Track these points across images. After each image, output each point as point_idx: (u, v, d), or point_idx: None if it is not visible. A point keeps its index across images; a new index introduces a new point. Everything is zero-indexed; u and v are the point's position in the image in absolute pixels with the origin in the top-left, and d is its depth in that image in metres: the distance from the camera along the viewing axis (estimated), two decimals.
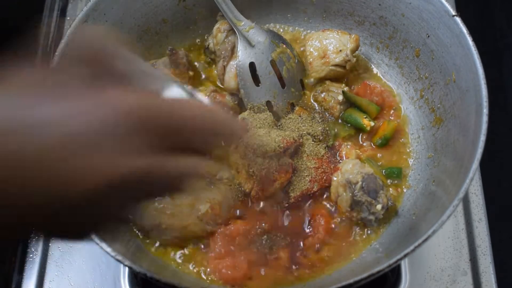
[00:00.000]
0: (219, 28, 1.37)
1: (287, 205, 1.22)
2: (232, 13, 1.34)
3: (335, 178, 1.21)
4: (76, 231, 0.61)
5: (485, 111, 1.05)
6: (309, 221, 1.22)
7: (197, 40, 1.47)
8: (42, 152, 0.50)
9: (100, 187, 0.53)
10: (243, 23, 1.34)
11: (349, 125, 1.33)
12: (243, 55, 1.34)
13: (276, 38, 1.37)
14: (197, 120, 0.61)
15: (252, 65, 1.34)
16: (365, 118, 1.32)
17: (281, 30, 1.51)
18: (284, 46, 1.37)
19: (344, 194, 1.18)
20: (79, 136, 0.51)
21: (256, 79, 1.34)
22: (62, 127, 0.51)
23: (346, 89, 1.36)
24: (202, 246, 1.18)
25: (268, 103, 1.34)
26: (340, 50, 1.34)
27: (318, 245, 1.19)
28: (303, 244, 1.20)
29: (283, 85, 1.36)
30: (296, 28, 1.51)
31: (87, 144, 0.51)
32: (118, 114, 0.53)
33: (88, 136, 0.51)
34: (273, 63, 1.35)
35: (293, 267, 1.17)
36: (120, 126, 0.53)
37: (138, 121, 0.54)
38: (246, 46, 1.34)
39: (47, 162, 0.50)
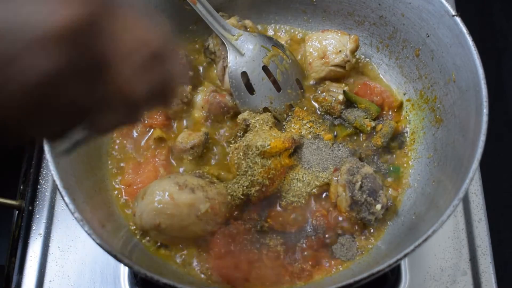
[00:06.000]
0: None
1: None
2: (219, 23, 1.32)
3: (335, 178, 1.21)
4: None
5: (485, 111, 1.05)
6: (310, 221, 1.22)
7: (197, 40, 1.47)
8: None
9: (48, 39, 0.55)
10: (231, 32, 1.33)
11: (349, 125, 1.33)
12: (234, 65, 1.31)
13: (266, 42, 1.35)
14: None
15: (244, 75, 1.32)
16: (366, 118, 1.32)
17: (281, 30, 1.50)
18: (276, 48, 1.35)
19: (344, 194, 1.18)
20: None
21: (250, 88, 1.32)
22: None
23: (346, 88, 1.36)
24: (202, 246, 1.18)
25: (266, 109, 1.33)
26: (340, 51, 1.35)
27: (318, 245, 1.19)
28: (304, 244, 1.20)
29: (278, 89, 1.34)
30: (296, 28, 1.50)
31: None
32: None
33: None
34: (265, 68, 1.33)
35: (294, 267, 1.17)
36: None
37: None
38: (236, 56, 1.32)
39: None
